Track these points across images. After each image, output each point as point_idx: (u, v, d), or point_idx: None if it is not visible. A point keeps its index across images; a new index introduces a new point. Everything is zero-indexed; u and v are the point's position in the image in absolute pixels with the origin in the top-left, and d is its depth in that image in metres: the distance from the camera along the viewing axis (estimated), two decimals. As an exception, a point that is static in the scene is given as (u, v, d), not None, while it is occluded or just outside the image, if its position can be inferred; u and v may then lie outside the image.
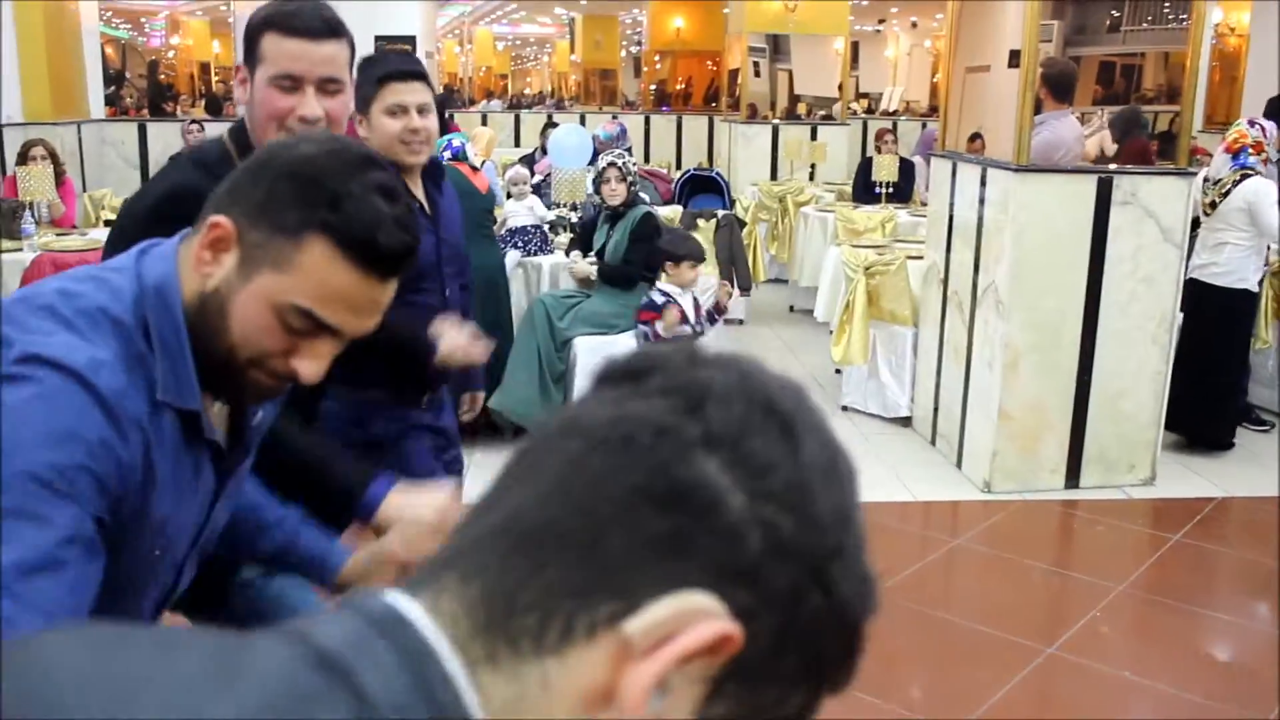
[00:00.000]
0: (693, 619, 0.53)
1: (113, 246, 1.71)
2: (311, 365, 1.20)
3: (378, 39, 11.58)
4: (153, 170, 9.77)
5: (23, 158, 6.33)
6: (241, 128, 1.90)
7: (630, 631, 0.53)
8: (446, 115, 8.72)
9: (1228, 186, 5.35)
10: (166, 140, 9.66)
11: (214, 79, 11.51)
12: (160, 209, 1.70)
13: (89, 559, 1.08)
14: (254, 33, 1.84)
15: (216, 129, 8.48)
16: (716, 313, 4.89)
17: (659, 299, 4.71)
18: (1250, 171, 5.34)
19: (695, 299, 4.85)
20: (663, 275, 4.78)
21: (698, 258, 4.80)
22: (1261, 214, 5.20)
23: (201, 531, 1.33)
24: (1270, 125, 5.55)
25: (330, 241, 1.14)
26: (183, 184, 1.73)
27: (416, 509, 1.64)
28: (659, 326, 4.63)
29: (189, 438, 1.21)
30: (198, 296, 1.18)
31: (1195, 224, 5.45)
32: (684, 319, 4.69)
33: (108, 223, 7.06)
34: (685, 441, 0.55)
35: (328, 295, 1.16)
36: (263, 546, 1.58)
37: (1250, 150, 5.39)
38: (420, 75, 2.58)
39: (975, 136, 5.37)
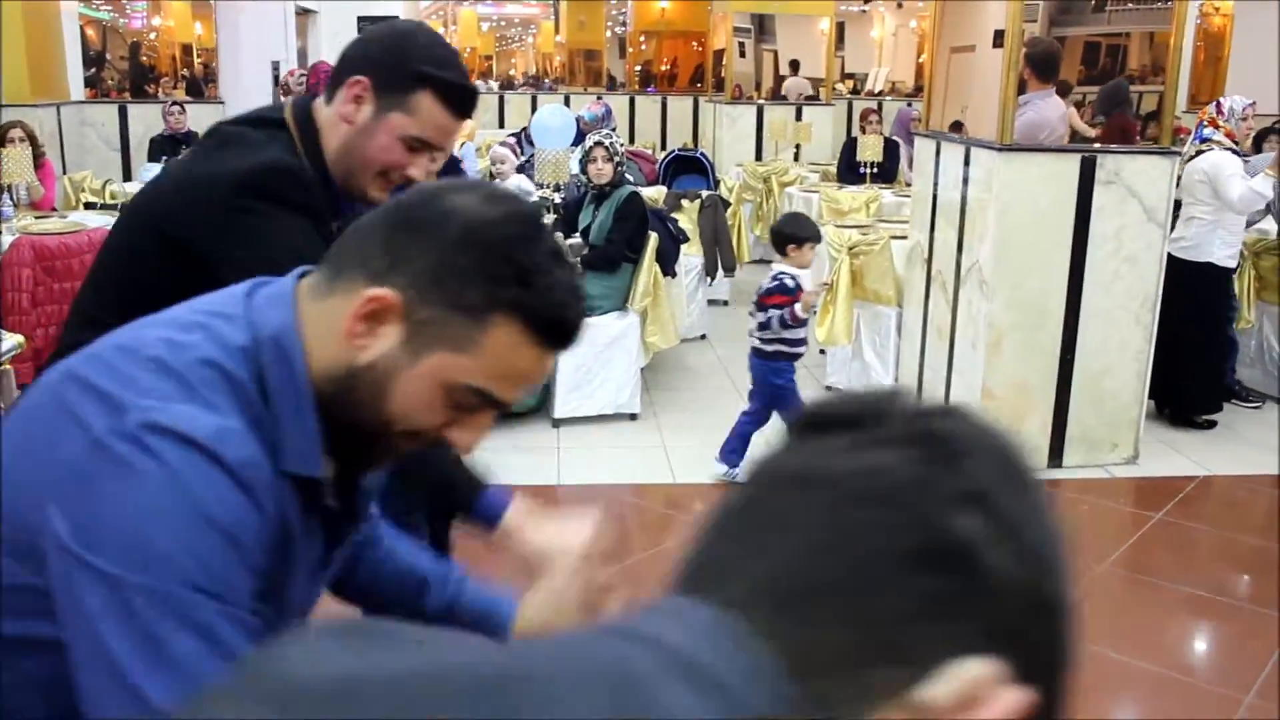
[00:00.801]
0: (990, 687, 0.52)
1: (179, 216, 1.64)
2: (470, 437, 1.08)
3: (360, 19, 11.52)
4: (134, 152, 9.71)
5: (0, 140, 6.27)
6: (311, 126, 1.73)
7: (928, 700, 0.52)
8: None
9: (1189, 160, 5.43)
10: (148, 122, 9.58)
11: (196, 60, 11.41)
12: (253, 181, 1.62)
13: None
14: (410, 75, 1.68)
15: (197, 111, 8.40)
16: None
17: (789, 281, 4.51)
18: (1209, 144, 5.40)
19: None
20: (781, 258, 4.60)
21: (818, 239, 4.70)
22: (1220, 184, 5.26)
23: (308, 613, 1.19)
24: (1231, 101, 5.59)
25: (520, 322, 1.01)
26: (285, 162, 1.66)
27: (569, 538, 1.42)
28: (798, 309, 4.43)
29: (302, 508, 1.07)
30: (343, 368, 1.04)
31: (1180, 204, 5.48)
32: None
33: (88, 205, 7.01)
34: (945, 496, 0.54)
35: (508, 375, 1.04)
36: (429, 604, 1.40)
37: (1206, 124, 5.48)
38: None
39: (957, 125, 5.35)
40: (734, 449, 4.63)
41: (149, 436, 0.93)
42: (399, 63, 1.69)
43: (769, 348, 4.53)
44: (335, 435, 1.06)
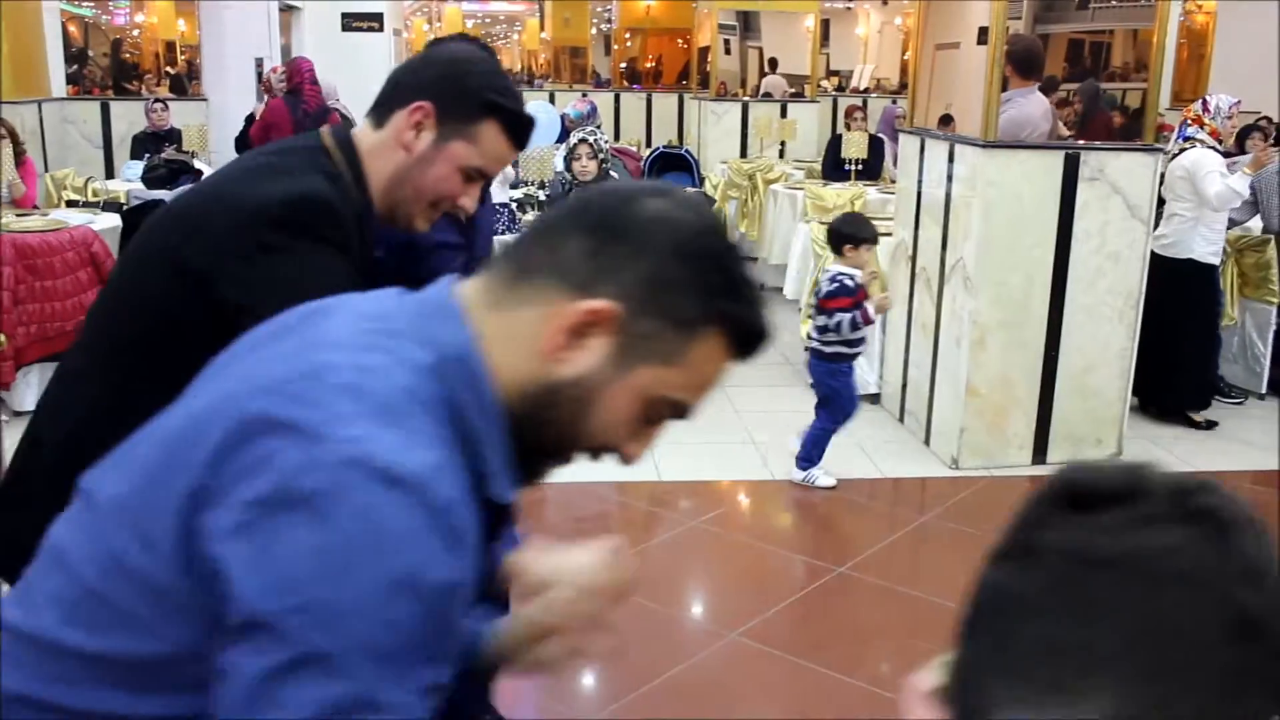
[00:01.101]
0: None
1: (201, 247, 1.51)
2: (642, 449, 1.06)
3: (345, 15, 11.48)
4: (117, 149, 9.66)
5: (-19, 137, 6.22)
6: (353, 152, 1.64)
7: None
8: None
9: (1172, 158, 5.46)
10: (130, 119, 9.53)
11: (179, 57, 11.36)
12: (286, 213, 1.50)
13: None
14: (476, 104, 1.62)
15: (181, 108, 8.34)
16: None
17: (849, 282, 4.46)
18: (1192, 142, 5.43)
19: None
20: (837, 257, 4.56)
21: (875, 240, 4.65)
22: (1199, 182, 5.28)
23: None
24: (1217, 99, 5.61)
25: (725, 334, 0.99)
26: (320, 194, 1.54)
27: (578, 571, 1.24)
28: (870, 309, 4.40)
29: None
30: (540, 384, 0.98)
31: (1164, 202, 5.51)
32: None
33: (70, 203, 6.97)
34: (1232, 575, 0.59)
35: (702, 385, 1.02)
36: None
37: (1190, 123, 5.51)
38: None
39: (947, 119, 5.36)
40: (810, 455, 4.63)
41: (350, 473, 0.84)
42: (464, 90, 1.62)
43: (829, 349, 4.50)
44: (520, 452, 1.00)
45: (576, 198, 1.06)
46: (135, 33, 11.54)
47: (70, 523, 1.03)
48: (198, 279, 1.49)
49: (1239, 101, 5.73)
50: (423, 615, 0.83)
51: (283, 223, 1.49)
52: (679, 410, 1.03)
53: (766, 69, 12.77)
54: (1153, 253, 5.36)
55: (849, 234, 4.52)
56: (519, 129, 1.66)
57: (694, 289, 0.97)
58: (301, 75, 7.43)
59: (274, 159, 1.64)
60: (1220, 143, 5.56)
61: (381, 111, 1.65)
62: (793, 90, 12.11)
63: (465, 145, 1.62)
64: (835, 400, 4.53)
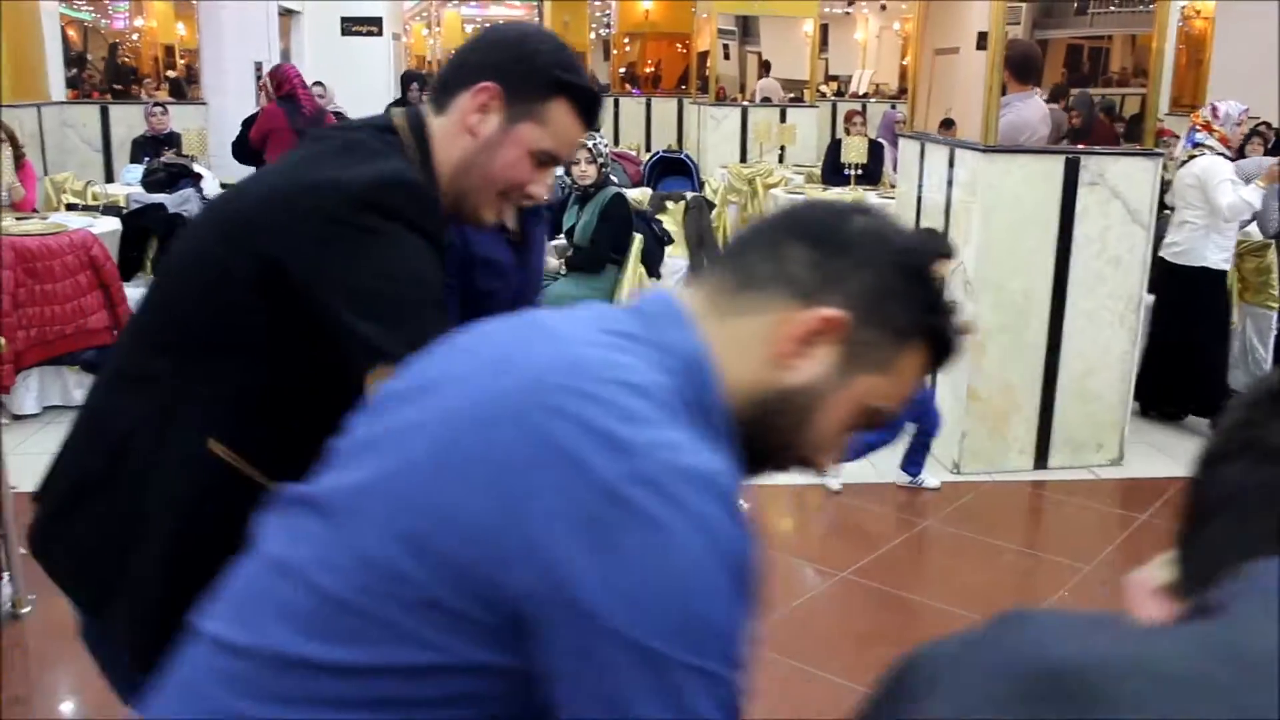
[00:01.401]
0: None
1: (280, 231, 1.38)
2: (838, 458, 1.08)
3: (344, 20, 11.49)
4: (116, 152, 9.66)
5: (-19, 140, 6.22)
6: (424, 137, 1.52)
7: None
8: (414, 90, 8.69)
9: (1181, 165, 5.44)
10: (129, 123, 9.53)
11: (179, 61, 11.35)
12: (376, 195, 1.38)
13: None
14: (544, 82, 1.51)
15: (180, 111, 8.34)
16: None
17: None
18: (1201, 149, 5.42)
19: None
20: None
21: (950, 255, 4.65)
22: (1210, 191, 5.26)
23: None
24: (1227, 106, 5.60)
25: (929, 346, 1.03)
26: (411, 177, 1.43)
27: None
28: None
29: None
30: (770, 390, 1.00)
31: (1167, 206, 5.50)
32: None
33: (69, 206, 6.96)
34: None
35: (905, 395, 1.05)
36: None
37: (1199, 129, 5.50)
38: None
39: (948, 123, 5.36)
40: (917, 460, 4.70)
41: (673, 483, 0.84)
42: (531, 68, 1.51)
43: None
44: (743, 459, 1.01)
45: (785, 211, 1.07)
46: (134, 36, 11.55)
47: (290, 530, 0.98)
48: (272, 266, 1.37)
49: (1248, 109, 5.73)
50: (747, 612, 0.86)
51: (371, 205, 1.37)
52: (879, 419, 1.05)
53: (761, 73, 12.79)
54: (1163, 260, 5.37)
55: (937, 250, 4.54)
56: (590, 106, 1.55)
57: (909, 300, 1.01)
58: (290, 82, 7.43)
59: (350, 137, 1.51)
60: (1229, 149, 5.55)
61: (444, 94, 1.54)
62: (791, 95, 12.13)
63: (534, 127, 1.51)
64: (924, 408, 4.58)
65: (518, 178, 1.53)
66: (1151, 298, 5.25)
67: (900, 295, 1.00)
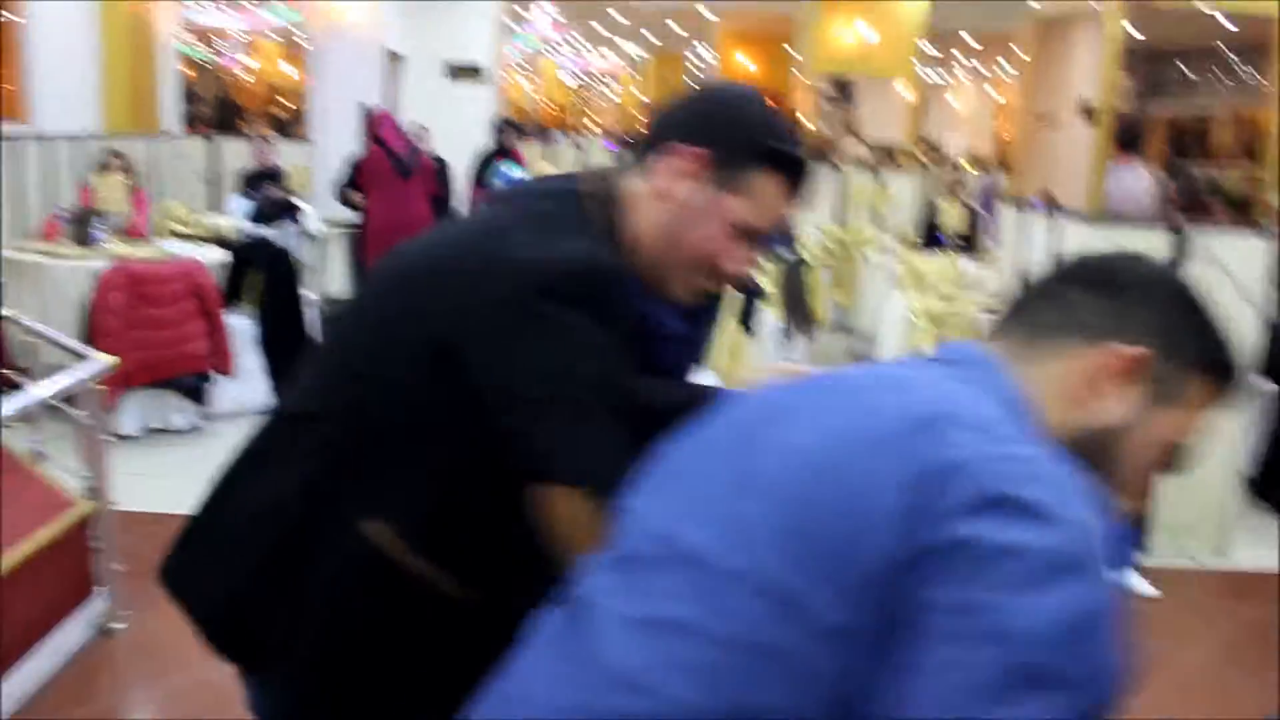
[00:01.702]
0: None
1: (454, 313, 1.27)
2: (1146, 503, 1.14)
3: (450, 66, 11.74)
4: (225, 185, 9.93)
5: (101, 168, 6.47)
6: (613, 203, 1.39)
7: None
8: (506, 142, 8.83)
9: None
10: (237, 157, 9.82)
11: (285, 101, 11.72)
12: (562, 282, 1.25)
13: None
14: (754, 151, 1.37)
15: (285, 149, 8.54)
16: None
17: None
18: None
19: None
20: None
21: None
22: None
23: None
24: None
25: (1213, 379, 1.06)
26: (602, 259, 1.30)
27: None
28: None
29: None
30: (1085, 431, 1.02)
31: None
32: None
33: (175, 234, 7.18)
34: None
35: (1197, 432, 1.07)
36: None
37: None
38: None
39: (1047, 193, 5.31)
40: None
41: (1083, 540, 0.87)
42: (742, 135, 1.38)
43: None
44: None
45: (1061, 263, 1.12)
46: (245, 75, 11.95)
47: (670, 579, 0.96)
48: (444, 351, 1.27)
49: None
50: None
51: (558, 293, 1.24)
52: (1180, 459, 1.07)
53: (854, 134, 12.79)
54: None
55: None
56: (800, 180, 1.41)
57: (1196, 335, 1.05)
58: (382, 126, 7.64)
59: (535, 207, 1.39)
60: None
61: (644, 154, 1.41)
62: (885, 155, 12.10)
63: (738, 200, 1.36)
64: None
65: (712, 251, 1.38)
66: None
67: (1186, 328, 1.04)
